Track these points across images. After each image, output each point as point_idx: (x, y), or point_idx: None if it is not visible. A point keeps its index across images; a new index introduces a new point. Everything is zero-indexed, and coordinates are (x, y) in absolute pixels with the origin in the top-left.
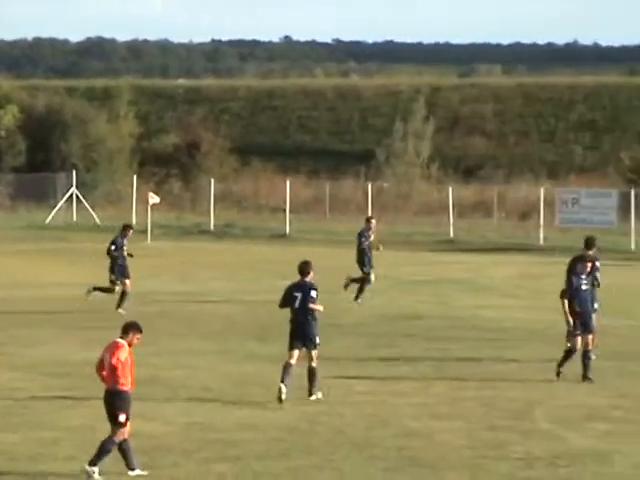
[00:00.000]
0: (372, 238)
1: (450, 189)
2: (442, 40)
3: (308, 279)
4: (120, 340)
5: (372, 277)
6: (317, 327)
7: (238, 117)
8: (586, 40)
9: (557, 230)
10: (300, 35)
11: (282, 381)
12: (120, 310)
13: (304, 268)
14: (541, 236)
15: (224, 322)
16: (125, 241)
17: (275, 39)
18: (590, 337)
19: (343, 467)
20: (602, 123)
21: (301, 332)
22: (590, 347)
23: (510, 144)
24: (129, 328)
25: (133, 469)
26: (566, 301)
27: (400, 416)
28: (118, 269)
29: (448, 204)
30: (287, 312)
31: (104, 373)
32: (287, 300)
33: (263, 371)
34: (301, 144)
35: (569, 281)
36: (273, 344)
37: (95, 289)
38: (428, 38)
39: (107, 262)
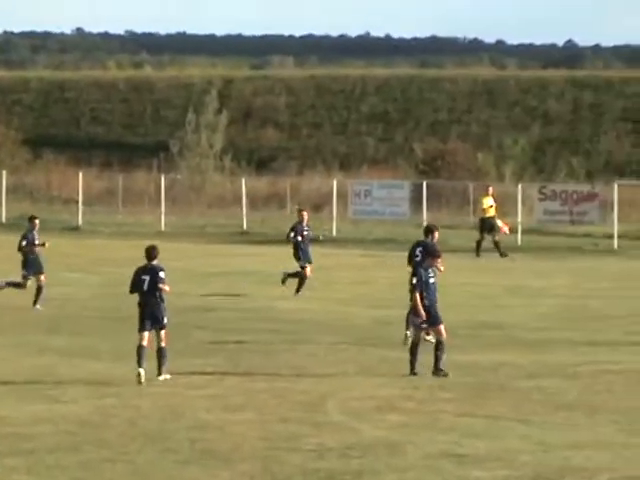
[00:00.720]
0: (308, 230)
1: (243, 181)
2: (234, 32)
3: (155, 263)
4: None
5: (308, 270)
6: (165, 308)
7: (30, 109)
8: (378, 32)
9: (350, 222)
10: (92, 27)
11: (140, 366)
12: (37, 306)
13: (151, 252)
14: (334, 228)
15: (16, 315)
16: (35, 234)
17: (67, 31)
18: (441, 327)
19: (136, 460)
20: (394, 115)
21: (150, 313)
22: (443, 337)
23: (303, 136)
24: None
25: None
26: (418, 294)
27: (194, 408)
28: (30, 264)
29: (241, 196)
30: (79, 305)
31: None
32: (136, 285)
33: (54, 364)
34: (94, 136)
35: (418, 274)
36: (64, 337)
37: (8, 284)
38: (220, 30)
39: (19, 258)
